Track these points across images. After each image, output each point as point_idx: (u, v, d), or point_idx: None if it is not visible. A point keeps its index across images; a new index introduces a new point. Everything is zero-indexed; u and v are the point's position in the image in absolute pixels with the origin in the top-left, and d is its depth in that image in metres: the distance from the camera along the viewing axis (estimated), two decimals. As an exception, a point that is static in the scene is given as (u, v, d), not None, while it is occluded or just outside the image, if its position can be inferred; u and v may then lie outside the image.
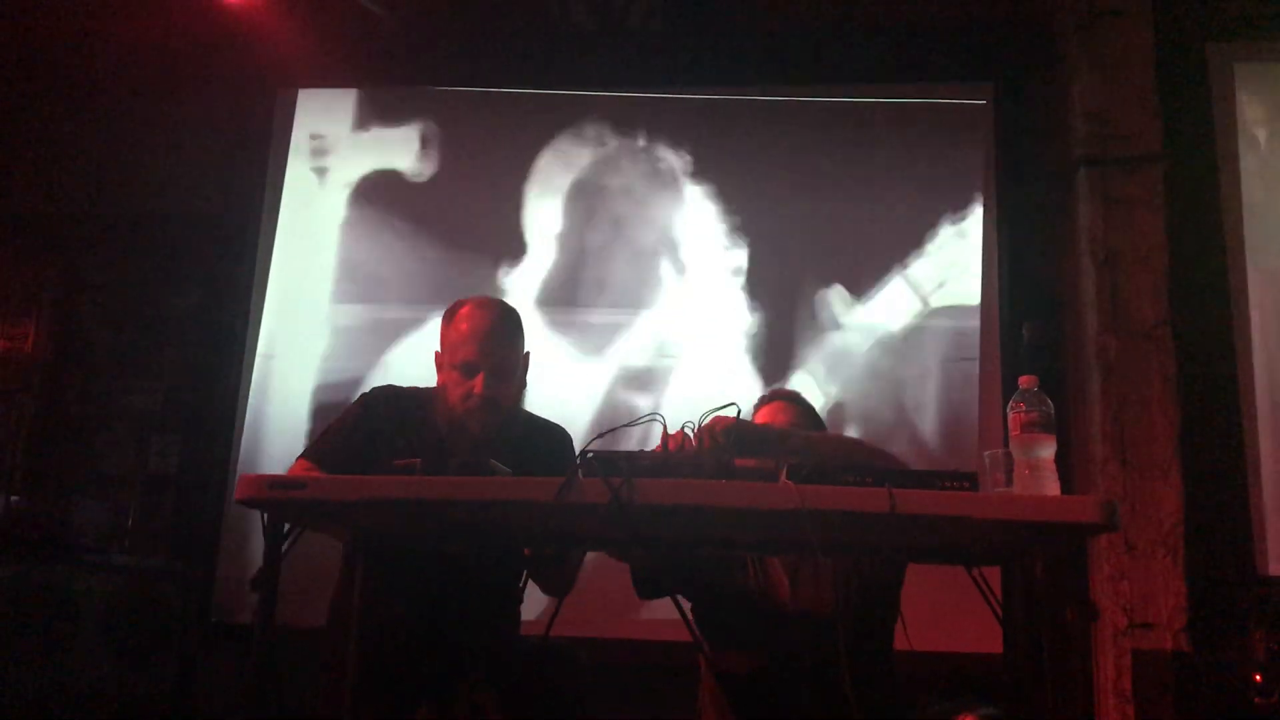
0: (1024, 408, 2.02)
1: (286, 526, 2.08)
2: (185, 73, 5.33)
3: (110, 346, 5.22)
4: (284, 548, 2.06)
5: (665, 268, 5.01)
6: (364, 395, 2.71)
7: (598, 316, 4.97)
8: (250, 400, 5.02)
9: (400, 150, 5.27)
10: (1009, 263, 4.74)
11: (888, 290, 4.85)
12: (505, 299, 2.85)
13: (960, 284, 4.80)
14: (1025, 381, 2.06)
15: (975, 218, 4.85)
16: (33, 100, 5.54)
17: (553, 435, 2.76)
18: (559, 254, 5.07)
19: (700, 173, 5.10)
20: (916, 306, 4.80)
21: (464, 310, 2.62)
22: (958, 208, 4.89)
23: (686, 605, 2.67)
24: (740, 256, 4.97)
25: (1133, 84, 4.40)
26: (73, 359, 5.23)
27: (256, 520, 2.12)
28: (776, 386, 2.82)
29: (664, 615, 2.80)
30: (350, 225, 5.22)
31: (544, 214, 5.12)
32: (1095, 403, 4.16)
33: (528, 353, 2.71)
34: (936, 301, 4.80)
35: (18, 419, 5.12)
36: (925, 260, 4.85)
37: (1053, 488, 1.99)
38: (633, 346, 4.91)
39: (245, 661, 2.07)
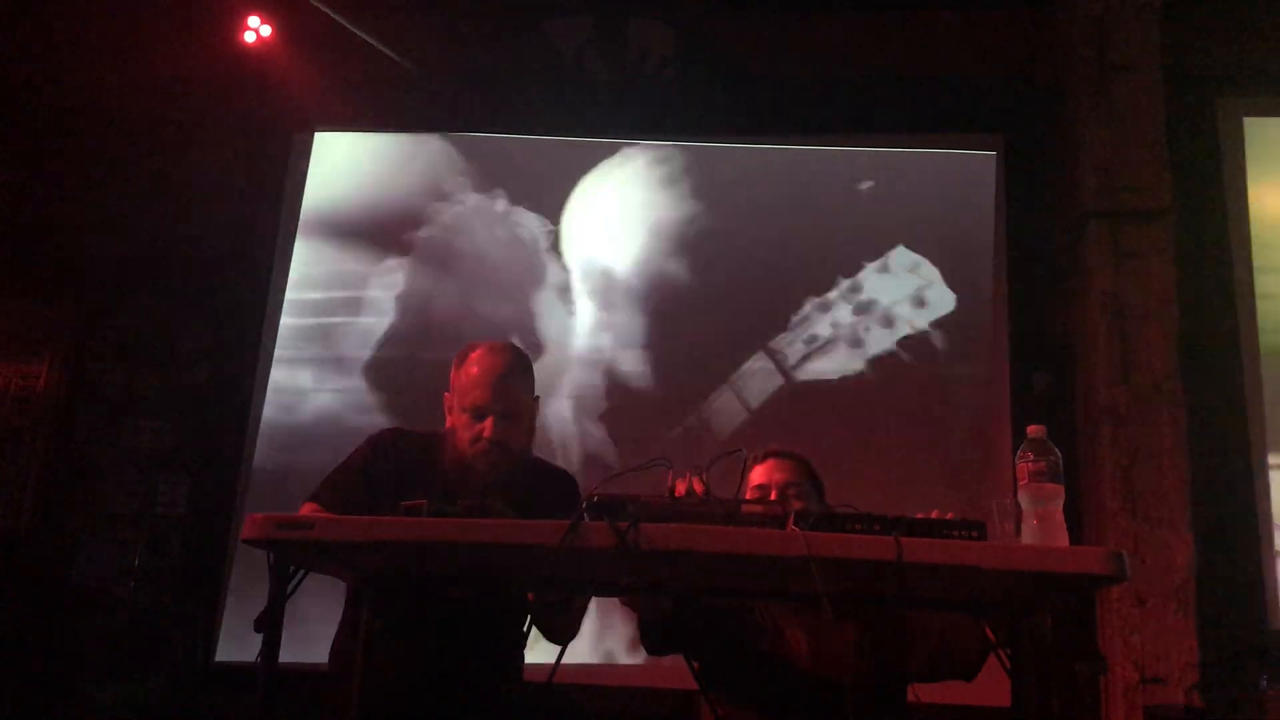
0: (1032, 457, 2.01)
1: (293, 567, 2.07)
2: (200, 115, 5.40)
3: (120, 387, 5.24)
4: (290, 588, 2.05)
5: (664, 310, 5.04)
6: (372, 437, 2.71)
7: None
8: (259, 442, 5.03)
9: (416, 193, 5.32)
10: (1018, 314, 4.75)
11: (896, 338, 4.86)
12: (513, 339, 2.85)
13: (968, 334, 4.81)
14: (1034, 431, 2.05)
15: (985, 269, 4.87)
16: (47, 143, 5.60)
17: (559, 480, 2.76)
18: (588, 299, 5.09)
19: (704, 218, 5.13)
20: (926, 354, 4.81)
21: (475, 354, 2.63)
22: (967, 259, 4.91)
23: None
24: (743, 300, 4.99)
25: (1143, 137, 4.42)
26: (83, 399, 5.25)
27: (262, 561, 2.11)
28: (774, 445, 2.79)
29: (667, 664, 2.78)
30: (364, 268, 5.26)
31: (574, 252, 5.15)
32: (1105, 454, 4.14)
33: (538, 397, 2.71)
34: (946, 349, 4.81)
35: (28, 458, 5.13)
36: (934, 310, 4.86)
37: (1061, 538, 1.97)
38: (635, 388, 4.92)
39: (249, 702, 2.05)
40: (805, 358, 4.86)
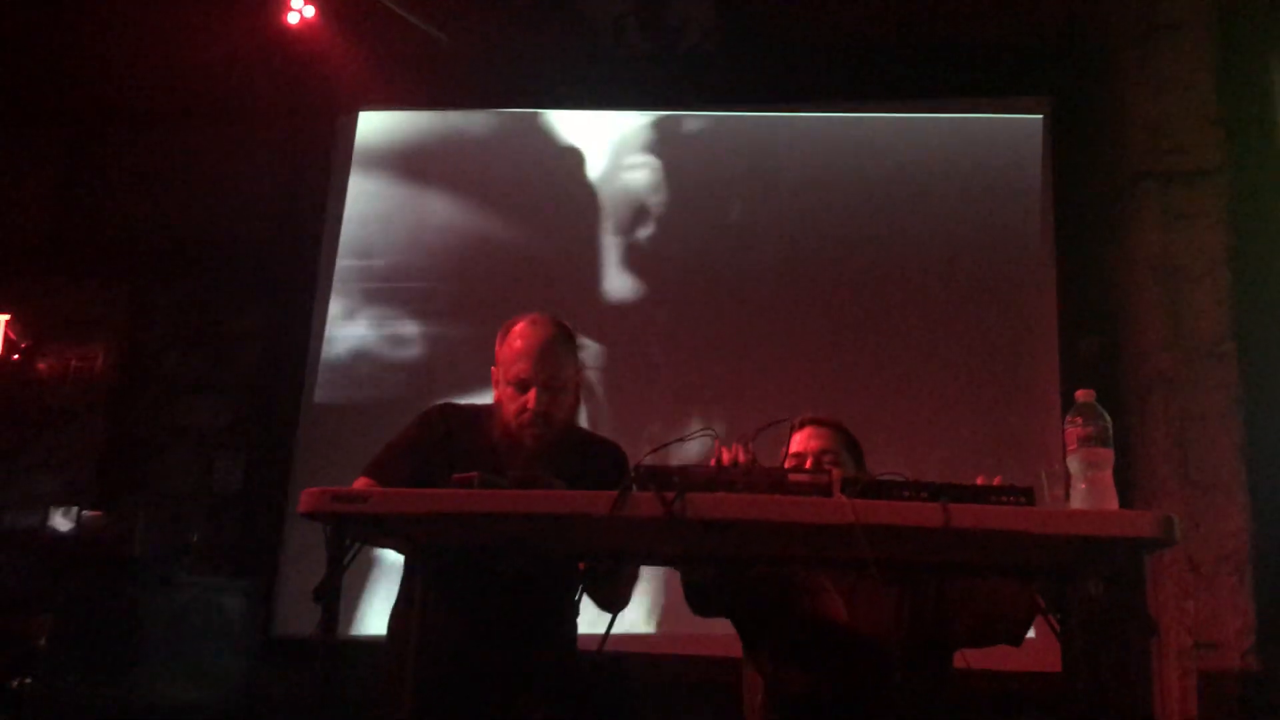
0: (1081, 422, 2.00)
1: (349, 540, 2.11)
2: (247, 97, 5.46)
3: (175, 367, 5.34)
4: (346, 560, 2.10)
5: (713, 283, 5.04)
6: (423, 413, 2.75)
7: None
8: (312, 418, 5.11)
9: (463, 170, 5.35)
10: (1066, 277, 4.71)
11: (942, 307, 4.83)
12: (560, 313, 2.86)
13: (1016, 298, 4.77)
14: (1082, 395, 2.03)
15: (1032, 232, 4.82)
16: (99, 127, 5.70)
17: (606, 451, 2.78)
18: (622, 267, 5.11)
19: (750, 187, 5.12)
20: (972, 320, 4.78)
21: (518, 327, 2.65)
22: (1015, 221, 4.86)
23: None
24: (791, 270, 4.98)
25: (1193, 97, 4.34)
26: (139, 379, 5.35)
27: (318, 535, 2.15)
28: (809, 413, 2.79)
29: (716, 631, 2.81)
30: (411, 243, 5.30)
31: (605, 227, 5.17)
32: (1156, 419, 4.09)
33: (582, 368, 2.74)
34: (992, 315, 4.78)
35: (88, 438, 5.25)
36: (980, 275, 4.83)
37: (1110, 503, 1.96)
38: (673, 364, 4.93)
39: (308, 674, 2.09)
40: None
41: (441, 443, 2.62)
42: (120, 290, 5.47)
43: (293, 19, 5.04)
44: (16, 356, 5.38)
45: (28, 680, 3.66)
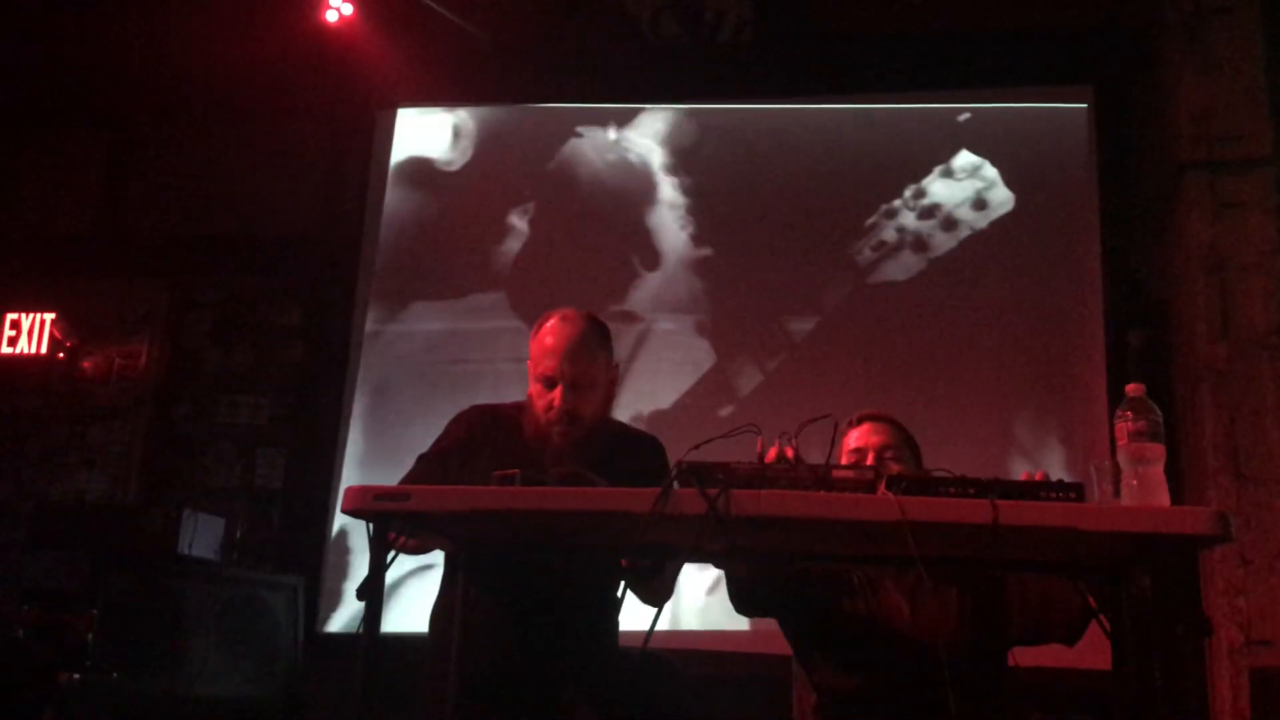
0: (1131, 416, 1.96)
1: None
2: (287, 95, 5.50)
3: (218, 364, 5.39)
4: (389, 558, 2.10)
5: (754, 279, 5.01)
6: (460, 414, 2.75)
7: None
8: (353, 414, 5.14)
9: (502, 166, 5.35)
10: (1113, 269, 4.64)
11: (987, 300, 4.77)
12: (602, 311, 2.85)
13: (1063, 290, 4.71)
14: (1133, 389, 1.99)
15: (1078, 223, 4.76)
16: (142, 126, 5.76)
17: (645, 445, 2.76)
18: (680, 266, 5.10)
19: (788, 180, 5.08)
20: (1018, 314, 4.73)
21: (549, 324, 2.65)
22: (1059, 213, 4.80)
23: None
24: (831, 266, 4.95)
25: (1242, 84, 4.25)
26: (182, 377, 5.41)
27: (361, 532, 2.15)
28: (868, 409, 2.76)
29: (764, 627, 2.79)
30: (450, 239, 5.32)
31: (646, 221, 5.16)
32: (1206, 413, 4.02)
33: (617, 364, 2.72)
34: (1038, 308, 4.72)
35: (133, 435, 5.31)
36: (1025, 268, 4.77)
37: (1162, 499, 1.93)
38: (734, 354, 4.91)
39: (351, 670, 2.10)
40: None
41: (480, 442, 2.62)
42: (163, 288, 5.53)
43: (331, 17, 5.08)
44: (61, 355, 5.45)
45: (75, 676, 3.70)
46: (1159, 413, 1.98)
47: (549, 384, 2.58)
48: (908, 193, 4.93)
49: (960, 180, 4.91)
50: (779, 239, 5.01)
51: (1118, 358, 4.48)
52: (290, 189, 5.52)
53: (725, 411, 4.80)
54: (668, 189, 5.18)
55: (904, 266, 4.88)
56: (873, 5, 5.06)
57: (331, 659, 4.45)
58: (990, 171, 4.89)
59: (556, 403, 2.55)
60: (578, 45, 5.30)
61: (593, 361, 2.62)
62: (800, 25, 5.15)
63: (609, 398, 2.70)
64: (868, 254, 4.91)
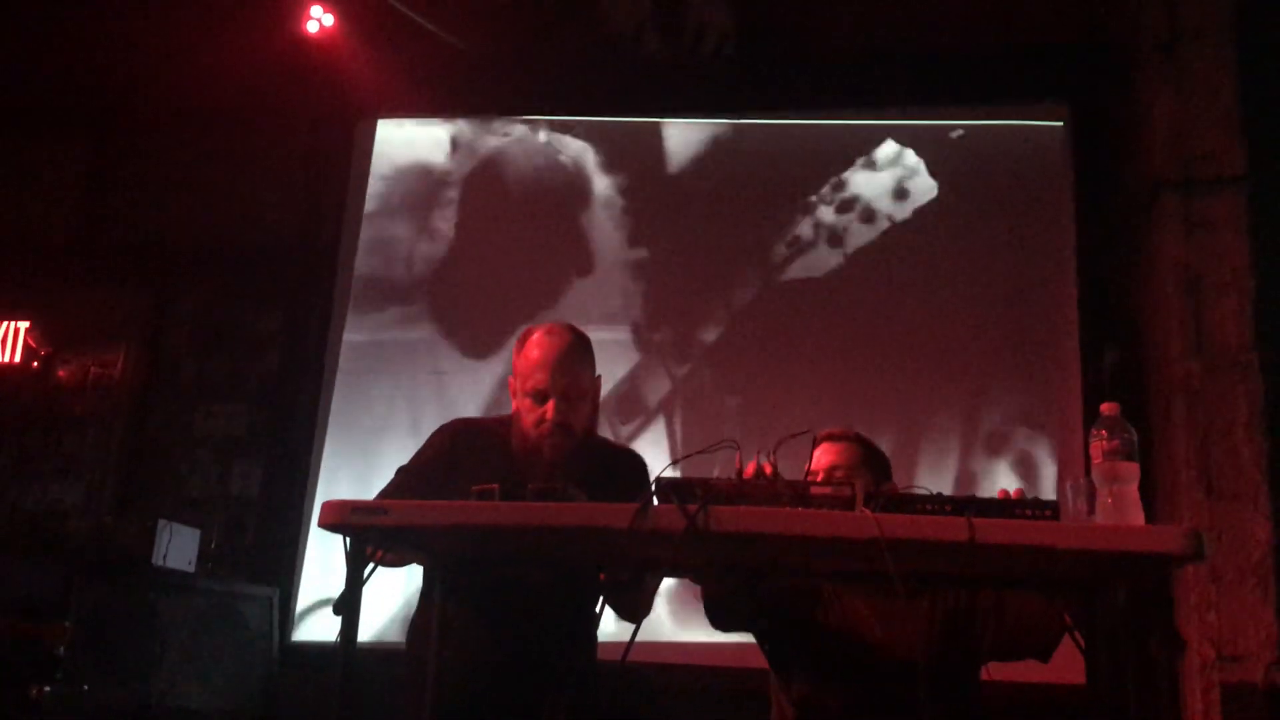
0: (1106, 435, 1.99)
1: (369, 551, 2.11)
2: (267, 104, 5.47)
3: (194, 373, 5.36)
4: (366, 573, 2.09)
5: (732, 292, 5.02)
6: (441, 428, 2.76)
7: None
8: (330, 425, 5.12)
9: (482, 178, 5.35)
10: (1088, 287, 4.68)
11: (962, 316, 4.80)
12: (575, 321, 2.86)
13: (1037, 308, 4.74)
14: (1108, 409, 2.02)
15: (1053, 241, 4.79)
16: (119, 134, 5.73)
17: (627, 459, 2.78)
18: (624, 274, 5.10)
19: (765, 195, 5.10)
20: (993, 330, 4.76)
21: (534, 337, 2.65)
22: (1035, 231, 4.83)
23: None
24: (808, 280, 4.96)
25: (1217, 104, 4.30)
26: (159, 386, 5.37)
27: (336, 542, 2.15)
28: (826, 428, 2.78)
29: (740, 641, 2.79)
30: (429, 251, 5.31)
31: (618, 234, 5.16)
32: (1179, 430, 4.06)
33: (599, 376, 2.74)
34: (1013, 325, 4.75)
35: (108, 444, 5.27)
36: (1001, 285, 4.80)
37: (1136, 517, 1.95)
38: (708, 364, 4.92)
39: (327, 681, 2.09)
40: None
41: (461, 456, 2.63)
42: (140, 297, 5.49)
43: (312, 27, 5.07)
44: (36, 364, 5.41)
45: (47, 688, 3.67)
46: (1133, 431, 2.00)
47: (539, 398, 2.58)
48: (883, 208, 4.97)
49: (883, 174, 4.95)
50: (757, 251, 5.02)
51: (1091, 374, 4.52)
52: (269, 198, 5.50)
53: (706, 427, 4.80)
54: (644, 205, 5.21)
55: (878, 281, 4.90)
56: (851, 23, 5.08)
57: (307, 670, 4.43)
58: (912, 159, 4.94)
59: (549, 416, 2.56)
60: (559, 59, 5.30)
61: (581, 373, 2.64)
62: (780, 42, 5.18)
63: (596, 410, 2.72)
64: (843, 269, 4.94)
